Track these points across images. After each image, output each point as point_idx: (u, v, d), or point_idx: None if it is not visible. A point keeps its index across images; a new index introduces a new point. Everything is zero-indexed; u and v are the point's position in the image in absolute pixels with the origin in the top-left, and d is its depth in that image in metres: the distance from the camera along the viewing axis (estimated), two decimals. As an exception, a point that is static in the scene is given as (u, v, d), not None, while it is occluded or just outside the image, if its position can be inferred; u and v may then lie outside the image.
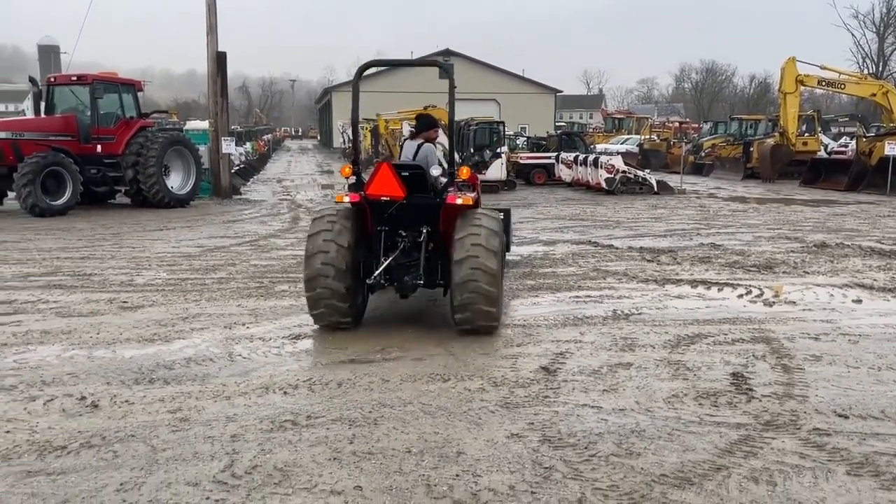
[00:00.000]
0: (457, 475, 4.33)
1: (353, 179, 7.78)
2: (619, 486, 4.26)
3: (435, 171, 7.85)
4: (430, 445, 4.79)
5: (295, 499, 4.07)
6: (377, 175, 7.36)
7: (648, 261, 12.49)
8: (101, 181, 19.24)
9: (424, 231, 7.55)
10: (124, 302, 9.10)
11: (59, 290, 9.75)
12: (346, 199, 7.49)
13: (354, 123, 7.95)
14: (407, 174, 7.47)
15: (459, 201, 7.37)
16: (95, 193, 19.42)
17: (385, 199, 7.35)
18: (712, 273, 11.37)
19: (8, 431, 5.06)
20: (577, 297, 9.59)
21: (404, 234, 7.60)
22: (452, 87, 7.73)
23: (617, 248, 13.71)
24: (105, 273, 10.92)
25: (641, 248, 13.74)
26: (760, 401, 5.78)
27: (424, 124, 8.71)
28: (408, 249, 7.60)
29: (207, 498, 4.10)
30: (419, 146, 8.48)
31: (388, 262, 7.40)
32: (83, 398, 5.74)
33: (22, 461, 4.55)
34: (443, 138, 23.39)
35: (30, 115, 20.92)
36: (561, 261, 12.29)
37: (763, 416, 5.44)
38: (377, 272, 7.32)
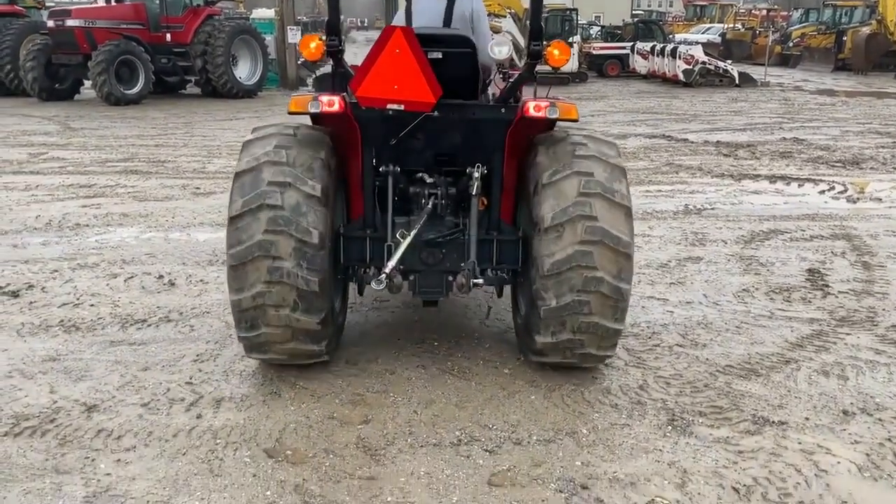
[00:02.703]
0: (518, 359, 4.36)
1: (327, 64, 4.59)
2: (682, 374, 4.22)
3: (500, 51, 4.03)
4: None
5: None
6: (381, 56, 3.64)
7: (725, 155, 12.00)
8: (171, 71, 19.42)
9: (476, 175, 3.97)
10: (197, 188, 9.32)
11: (136, 176, 10.06)
12: (317, 106, 3.82)
13: None
14: (439, 55, 3.93)
15: (550, 113, 3.84)
16: (167, 83, 19.67)
17: (397, 108, 3.70)
18: (793, 168, 10.86)
19: (92, 305, 5.33)
20: (648, 191, 9.33)
21: (432, 180, 4.18)
22: None
23: (692, 143, 13.20)
24: (178, 160, 11.17)
25: (718, 142, 13.19)
26: (837, 297, 5.58)
27: None
28: (441, 213, 4.17)
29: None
30: None
31: (407, 240, 3.81)
32: (161, 276, 5.98)
33: (106, 332, 4.81)
34: (510, 26, 22.04)
35: (101, 3, 21.02)
36: (632, 155, 11.91)
37: (838, 312, 5.26)
38: (389, 265, 3.67)
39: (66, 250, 6.73)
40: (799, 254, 6.76)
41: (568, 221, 3.69)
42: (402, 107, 3.67)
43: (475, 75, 4.17)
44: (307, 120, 4.16)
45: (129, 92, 18.00)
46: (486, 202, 4.16)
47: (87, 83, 18.72)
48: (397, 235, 3.90)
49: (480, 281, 3.89)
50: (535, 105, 3.81)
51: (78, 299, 5.46)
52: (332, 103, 3.78)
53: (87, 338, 4.71)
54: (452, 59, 3.98)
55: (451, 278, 4.09)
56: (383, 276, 3.55)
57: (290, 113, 3.88)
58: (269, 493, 3.07)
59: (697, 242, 7.14)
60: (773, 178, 10.17)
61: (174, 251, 6.70)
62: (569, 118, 3.89)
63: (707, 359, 4.43)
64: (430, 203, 4.08)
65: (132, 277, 5.97)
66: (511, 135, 4.01)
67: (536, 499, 3.06)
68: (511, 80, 4.23)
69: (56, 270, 6.11)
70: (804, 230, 7.59)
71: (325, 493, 3.08)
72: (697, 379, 4.17)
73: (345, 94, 3.91)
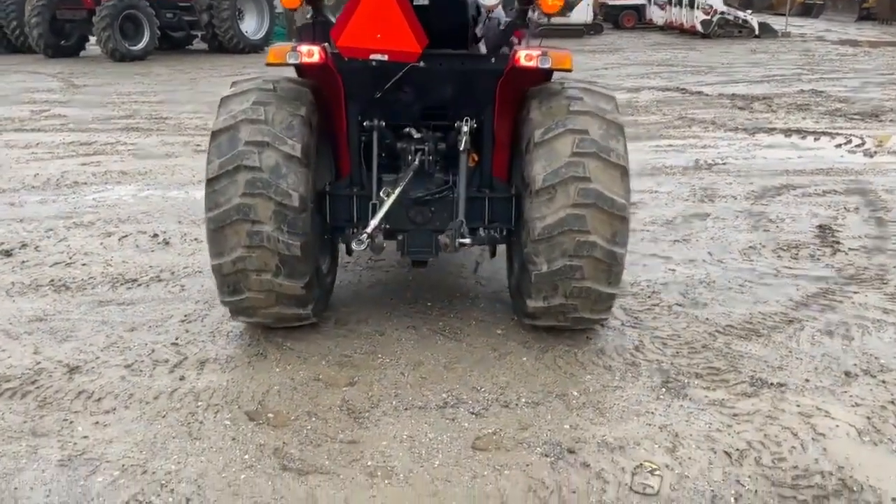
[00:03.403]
0: (512, 318, 4.25)
1: (307, 13, 4.08)
2: (680, 335, 4.10)
3: None
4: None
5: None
6: (363, 3, 3.46)
7: (740, 108, 11.68)
8: (176, 26, 19.17)
9: (465, 130, 3.78)
10: (198, 145, 9.19)
11: (137, 133, 9.94)
12: (295, 57, 3.59)
13: None
14: (425, 2, 3.75)
15: (542, 62, 3.58)
16: (173, 39, 19.45)
17: (381, 59, 3.51)
18: (810, 121, 10.54)
19: (84, 264, 5.27)
20: (658, 146, 9.09)
21: (420, 135, 3.97)
22: None
23: (707, 95, 12.86)
24: (180, 117, 11.03)
25: (734, 94, 12.84)
26: (847, 254, 5.40)
27: None
28: (429, 170, 3.96)
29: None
30: None
31: (391, 199, 3.66)
32: (155, 235, 5.90)
33: (96, 291, 4.74)
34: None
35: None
36: (644, 108, 11.62)
37: (847, 270, 5.08)
38: (371, 225, 3.52)
39: (62, 209, 6.66)
40: (811, 209, 6.55)
41: (560, 183, 3.51)
42: (385, 57, 3.48)
43: (464, 24, 3.96)
44: (291, 73, 4.01)
45: (135, 48, 17.80)
46: (476, 158, 4.00)
47: (93, 39, 18.53)
48: (381, 194, 3.76)
49: (468, 241, 3.69)
50: (525, 54, 3.57)
51: (70, 258, 5.39)
52: (311, 54, 3.57)
53: (77, 297, 4.65)
54: (439, 6, 3.77)
55: (439, 236, 3.95)
56: (364, 235, 3.40)
57: (268, 65, 3.70)
58: (247, 456, 3.01)
59: (706, 198, 6.95)
60: (788, 132, 9.89)
61: (171, 209, 6.61)
62: (562, 68, 3.67)
63: (707, 319, 4.30)
64: (418, 159, 3.87)
65: (127, 236, 5.90)
66: (502, 87, 3.79)
67: (521, 463, 2.98)
68: (503, 28, 4.01)
69: (51, 229, 6.05)
70: (818, 185, 7.37)
71: (305, 456, 3.01)
72: (695, 339, 4.04)
73: (326, 44, 3.71)
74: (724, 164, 8.32)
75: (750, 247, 5.59)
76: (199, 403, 3.38)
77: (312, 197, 3.72)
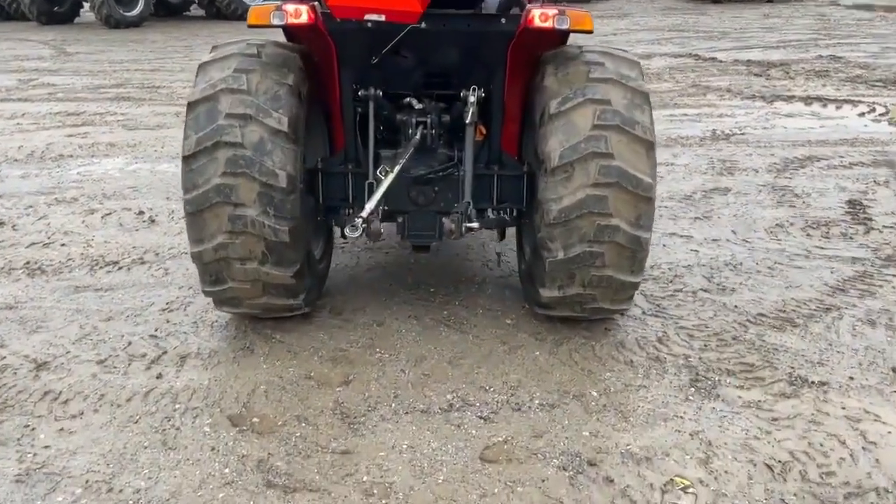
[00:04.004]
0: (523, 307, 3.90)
1: None
2: (708, 325, 3.74)
3: None
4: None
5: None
6: None
7: (756, 75, 11.19)
8: (173, -9, 18.60)
9: (472, 100, 3.36)
10: (190, 115, 8.79)
11: (128, 103, 9.53)
12: (280, 17, 3.21)
13: None
14: None
15: (559, 23, 3.17)
16: (169, 5, 18.92)
17: (377, 19, 3.08)
18: (830, 89, 10.07)
19: (63, 244, 4.91)
20: (672, 115, 8.65)
21: (422, 106, 3.63)
22: None
23: (721, 62, 12.35)
24: (173, 86, 10.59)
25: (749, 61, 12.33)
26: (881, 232, 5.02)
27: None
28: (432, 144, 3.60)
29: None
30: None
31: (388, 178, 3.26)
32: (141, 213, 5.54)
33: (73, 276, 4.39)
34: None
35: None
36: (656, 76, 11.14)
37: (884, 250, 4.70)
38: (366, 209, 3.11)
39: (44, 184, 6.30)
40: (837, 183, 6.16)
41: (579, 160, 3.12)
42: (382, 17, 3.06)
43: None
44: (280, 36, 3.62)
45: (129, 14, 17.29)
46: (484, 132, 3.61)
47: (87, 6, 17.99)
48: (378, 173, 3.38)
49: (475, 225, 3.33)
50: (540, 14, 3.15)
51: (49, 238, 5.04)
52: (297, 14, 3.16)
53: (52, 282, 4.30)
54: None
55: (444, 220, 3.57)
56: (358, 220, 3.01)
57: (250, 26, 3.29)
58: (227, 470, 2.67)
59: (726, 171, 6.55)
60: (808, 100, 9.43)
61: (160, 184, 6.24)
62: (582, 29, 3.24)
63: (736, 306, 3.94)
64: (419, 133, 3.49)
65: (110, 214, 5.54)
66: (513, 51, 3.39)
67: (535, 478, 2.64)
68: None
69: (31, 206, 5.70)
70: (842, 157, 6.95)
71: (292, 470, 2.67)
72: (725, 330, 3.68)
73: (316, 2, 3.31)
74: (742, 134, 7.90)
75: (777, 224, 5.20)
76: (177, 406, 3.04)
77: (302, 175, 3.34)
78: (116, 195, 5.99)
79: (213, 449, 2.77)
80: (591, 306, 3.45)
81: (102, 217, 5.49)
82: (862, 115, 8.65)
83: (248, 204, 3.15)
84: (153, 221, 5.35)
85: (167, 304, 3.98)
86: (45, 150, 7.38)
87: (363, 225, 3.03)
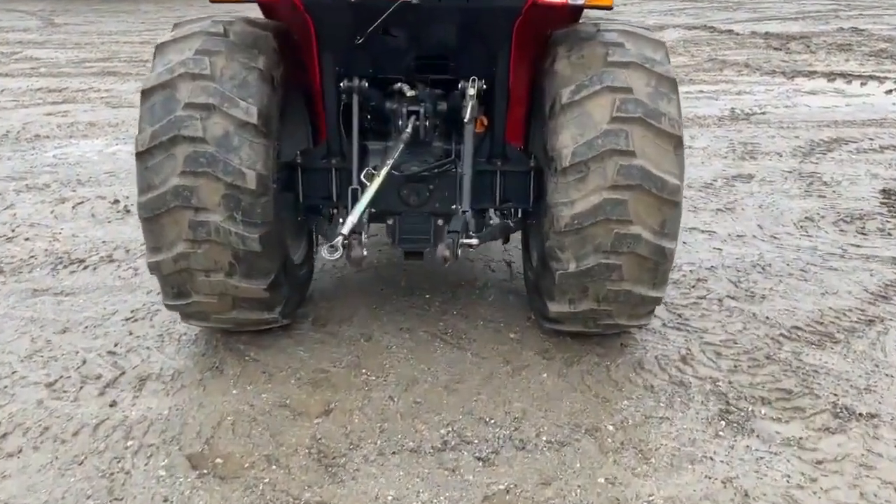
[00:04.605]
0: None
1: None
2: (737, 340, 3.32)
3: None
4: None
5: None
6: None
7: (775, 49, 10.65)
8: (167, -41, 17.93)
9: (471, 93, 2.89)
10: (177, 92, 8.32)
11: (113, 78, 9.06)
12: None
13: None
14: None
15: None
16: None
17: None
18: (854, 64, 9.55)
19: (27, 239, 4.50)
20: (688, 92, 8.14)
21: (414, 93, 3.13)
22: None
23: (737, 34, 11.79)
24: (162, 59, 10.10)
25: (767, 33, 11.77)
26: (923, 228, 4.58)
27: None
28: (426, 137, 3.14)
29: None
30: None
31: (373, 186, 2.77)
32: (116, 202, 5.13)
33: (33, 276, 3.99)
34: None
35: None
36: (670, 49, 10.55)
37: (928, 250, 4.27)
38: (347, 224, 2.61)
39: (16, 168, 5.88)
40: (869, 169, 5.70)
41: (595, 158, 2.67)
42: None
43: None
44: (255, 12, 3.18)
45: (121, -17, 16.64)
46: (486, 122, 3.15)
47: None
48: (362, 177, 2.92)
49: (475, 242, 2.83)
50: None
51: (13, 231, 4.64)
52: None
53: (9, 284, 3.90)
54: None
55: (440, 222, 3.14)
56: (339, 239, 2.56)
57: (213, 0, 2.83)
58: (181, 528, 2.28)
59: (747, 155, 6.09)
60: (831, 76, 8.92)
61: (138, 169, 5.81)
62: (599, 5, 2.80)
63: (767, 317, 3.51)
64: (411, 125, 3.02)
65: (83, 203, 5.13)
66: (520, 29, 2.92)
67: (543, 540, 2.25)
68: None
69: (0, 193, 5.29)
70: (872, 139, 6.48)
71: (258, 528, 2.28)
72: (756, 347, 3.26)
73: None
74: (763, 113, 7.42)
75: (806, 217, 4.76)
76: (130, 443, 2.64)
77: (275, 174, 2.89)
78: (92, 181, 5.57)
79: (165, 501, 2.38)
80: (606, 322, 3.03)
81: (74, 207, 5.08)
82: (889, 92, 8.17)
83: (211, 208, 2.72)
84: (128, 212, 4.93)
85: (132, 312, 3.58)
86: (22, 131, 6.95)
87: (344, 246, 2.57)
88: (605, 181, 2.68)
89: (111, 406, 2.85)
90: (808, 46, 10.75)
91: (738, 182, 5.45)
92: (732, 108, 7.54)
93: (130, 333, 3.38)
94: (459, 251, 2.74)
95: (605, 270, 2.79)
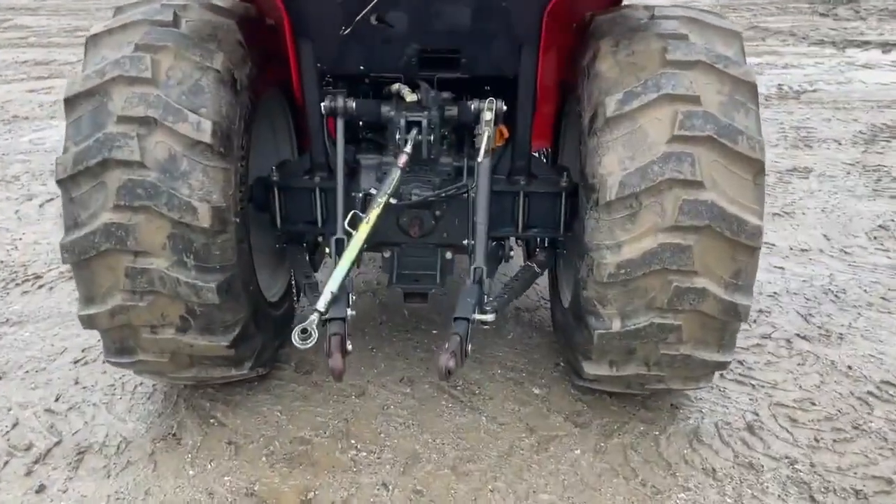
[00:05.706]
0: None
1: None
2: (815, 399, 2.69)
3: None
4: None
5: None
6: None
7: (822, 15, 9.80)
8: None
9: (488, 118, 2.27)
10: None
11: (104, 50, 8.44)
12: None
13: None
14: None
15: None
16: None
17: None
18: (912, 32, 8.73)
19: (-19, 248, 3.96)
20: (729, 64, 7.40)
21: (416, 97, 2.44)
22: None
23: (779, -2, 10.92)
24: (159, 28, 9.45)
25: (812, -4, 10.89)
26: None
27: None
28: (431, 153, 2.46)
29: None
30: None
31: (365, 230, 2.21)
32: (89, 199, 4.55)
33: (-22, 299, 3.44)
34: None
35: None
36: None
37: None
38: (321, 301, 2.07)
39: (-14, 156, 5.33)
40: (943, 161, 5.00)
41: (649, 191, 2.05)
42: None
43: None
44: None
45: (124, -57, 15.91)
46: (507, 133, 2.50)
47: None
48: (346, 224, 2.27)
49: (491, 318, 2.16)
50: None
51: (-32, 237, 4.09)
52: None
53: (-52, 310, 3.35)
54: None
55: (448, 255, 2.53)
56: (313, 318, 1.98)
57: None
58: None
59: (801, 143, 5.40)
60: (885, 47, 8.13)
61: (119, 158, 5.22)
62: None
63: (849, 366, 2.88)
64: (412, 140, 2.37)
65: (52, 200, 4.56)
66: (551, 17, 2.25)
67: None
68: None
69: (-39, 189, 4.74)
70: (942, 123, 5.75)
71: None
72: (840, 410, 2.64)
73: None
74: (814, 90, 6.69)
75: (879, 225, 4.09)
76: (51, 553, 2.09)
77: (240, 203, 2.28)
78: (65, 173, 5.00)
79: None
80: (655, 387, 2.42)
81: (41, 205, 4.53)
82: (954, 65, 7.38)
83: (153, 252, 2.13)
84: (100, 212, 4.35)
85: (83, 351, 3.01)
86: (0, 110, 6.39)
87: (316, 330, 1.96)
88: (662, 220, 2.05)
89: (37, 493, 2.29)
90: (858, 12, 9.89)
91: (794, 177, 4.77)
92: (780, 85, 6.81)
93: (76, 382, 2.81)
94: (469, 350, 2.06)
95: (660, 332, 2.17)
